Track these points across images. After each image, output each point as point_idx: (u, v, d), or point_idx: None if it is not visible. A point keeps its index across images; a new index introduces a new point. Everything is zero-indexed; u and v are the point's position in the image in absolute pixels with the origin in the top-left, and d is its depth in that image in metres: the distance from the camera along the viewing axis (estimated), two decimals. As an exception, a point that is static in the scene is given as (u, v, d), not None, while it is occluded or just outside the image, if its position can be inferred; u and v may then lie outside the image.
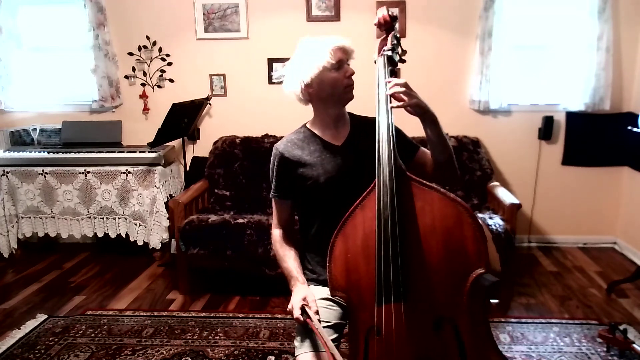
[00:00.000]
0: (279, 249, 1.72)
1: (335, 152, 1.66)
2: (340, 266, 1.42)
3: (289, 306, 1.52)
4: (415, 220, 1.37)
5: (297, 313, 1.47)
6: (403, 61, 1.67)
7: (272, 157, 1.75)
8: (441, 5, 3.60)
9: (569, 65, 3.63)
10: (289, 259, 1.66)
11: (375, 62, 1.61)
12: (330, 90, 1.61)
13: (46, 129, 3.86)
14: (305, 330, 1.53)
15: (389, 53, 1.60)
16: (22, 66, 3.93)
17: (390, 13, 1.64)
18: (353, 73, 1.61)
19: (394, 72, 1.61)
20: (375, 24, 1.68)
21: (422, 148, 1.72)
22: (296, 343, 1.58)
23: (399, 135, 1.70)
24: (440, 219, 1.35)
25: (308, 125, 1.75)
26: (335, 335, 1.57)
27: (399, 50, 1.64)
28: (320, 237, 1.61)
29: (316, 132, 1.71)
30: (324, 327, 1.55)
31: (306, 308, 1.48)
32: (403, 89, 1.49)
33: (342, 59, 1.58)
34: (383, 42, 1.64)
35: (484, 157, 3.56)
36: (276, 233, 1.75)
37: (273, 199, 1.76)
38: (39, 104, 3.96)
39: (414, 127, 1.75)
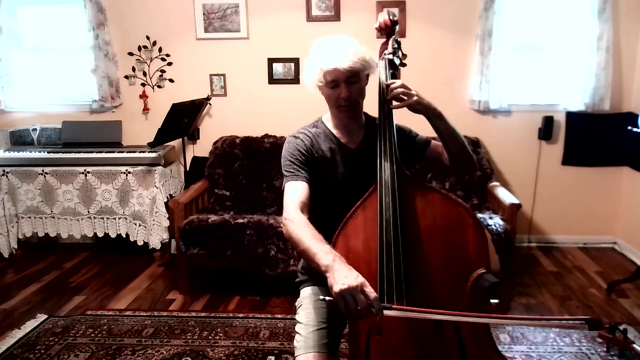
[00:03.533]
0: (305, 226, 1.39)
1: (349, 155, 1.65)
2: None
3: (352, 282, 1.17)
4: (416, 221, 1.37)
5: (373, 293, 1.18)
6: (404, 64, 1.68)
7: (286, 144, 1.64)
8: (441, 5, 3.60)
9: (569, 65, 3.63)
10: (318, 236, 1.37)
11: (377, 66, 1.62)
12: (328, 101, 1.62)
13: (46, 129, 3.85)
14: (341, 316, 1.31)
15: (390, 57, 1.61)
16: (22, 66, 3.93)
17: (391, 17, 1.64)
18: (346, 97, 1.53)
19: (395, 76, 1.62)
20: (376, 28, 1.68)
21: (434, 142, 1.72)
22: (296, 343, 1.57)
23: (406, 134, 1.71)
24: (442, 220, 1.36)
25: (324, 120, 1.72)
26: (334, 337, 1.57)
27: (400, 53, 1.65)
28: (325, 237, 1.58)
29: (332, 129, 1.68)
30: (321, 328, 1.55)
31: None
32: (401, 89, 1.50)
33: (338, 79, 1.52)
34: (384, 46, 1.66)
35: (484, 157, 3.56)
36: (296, 214, 1.44)
37: (286, 185, 1.56)
38: (39, 104, 3.96)
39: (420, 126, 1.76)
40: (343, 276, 1.19)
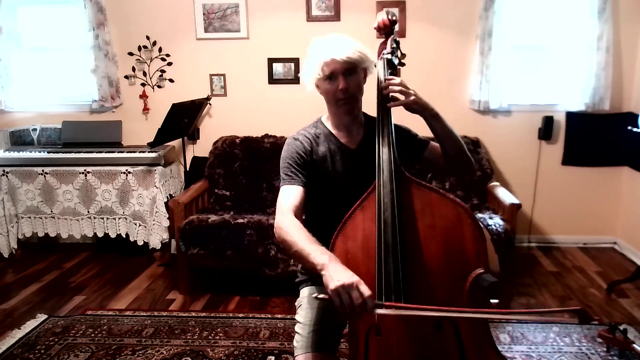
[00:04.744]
0: (298, 229, 1.41)
1: (349, 155, 1.65)
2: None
3: (347, 279, 1.18)
4: (414, 221, 1.37)
5: (367, 291, 1.18)
6: (402, 64, 1.68)
7: (286, 146, 1.65)
8: (441, 5, 3.60)
9: (569, 65, 3.63)
10: (312, 238, 1.38)
11: (375, 66, 1.63)
12: (326, 97, 1.63)
13: (46, 129, 3.86)
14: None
15: (389, 56, 1.61)
16: (22, 66, 3.93)
17: (389, 17, 1.64)
18: (344, 88, 1.54)
19: (394, 75, 1.62)
20: (374, 28, 1.69)
21: (433, 143, 1.72)
22: (296, 343, 1.58)
23: (405, 134, 1.71)
24: (440, 220, 1.36)
25: (323, 120, 1.72)
26: (333, 337, 1.58)
27: (398, 53, 1.65)
28: (324, 237, 1.58)
29: (331, 130, 1.68)
30: (321, 328, 1.55)
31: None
32: (399, 87, 1.50)
33: (336, 71, 1.53)
34: (383, 46, 1.66)
35: (484, 157, 3.56)
36: (289, 218, 1.46)
37: (281, 188, 1.58)
38: (39, 104, 3.96)
39: (417, 128, 1.76)
40: (338, 274, 1.21)
